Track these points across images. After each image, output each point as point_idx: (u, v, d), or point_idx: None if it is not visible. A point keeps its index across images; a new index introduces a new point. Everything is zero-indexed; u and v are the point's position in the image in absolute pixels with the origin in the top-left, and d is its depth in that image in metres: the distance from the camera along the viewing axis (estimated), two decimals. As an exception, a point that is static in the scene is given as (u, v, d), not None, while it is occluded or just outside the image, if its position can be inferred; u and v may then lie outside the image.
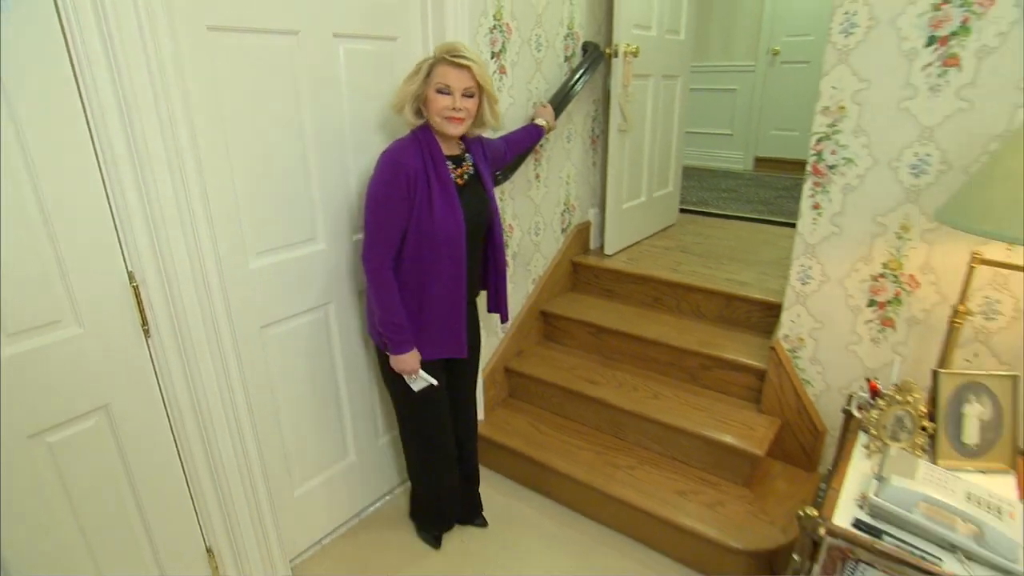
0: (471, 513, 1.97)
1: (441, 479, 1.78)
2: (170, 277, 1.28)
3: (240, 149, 1.42)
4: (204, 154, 1.33)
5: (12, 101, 1.03)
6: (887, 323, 1.70)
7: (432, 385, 1.58)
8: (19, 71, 1.02)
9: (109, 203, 1.19)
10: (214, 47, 1.32)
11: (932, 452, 1.25)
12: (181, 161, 1.24)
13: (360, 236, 1.72)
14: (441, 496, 1.82)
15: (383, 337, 1.52)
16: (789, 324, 1.89)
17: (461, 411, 1.81)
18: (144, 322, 1.28)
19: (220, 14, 1.31)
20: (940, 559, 1.01)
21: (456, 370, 1.73)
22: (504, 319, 1.80)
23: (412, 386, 1.58)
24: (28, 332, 1.12)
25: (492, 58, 1.95)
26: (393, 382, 1.62)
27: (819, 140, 1.66)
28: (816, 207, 1.72)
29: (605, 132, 2.66)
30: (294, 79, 1.49)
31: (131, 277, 1.25)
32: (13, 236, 1.07)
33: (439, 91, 1.40)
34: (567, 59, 2.32)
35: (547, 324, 2.53)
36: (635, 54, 2.34)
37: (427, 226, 1.42)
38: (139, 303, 1.27)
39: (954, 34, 1.41)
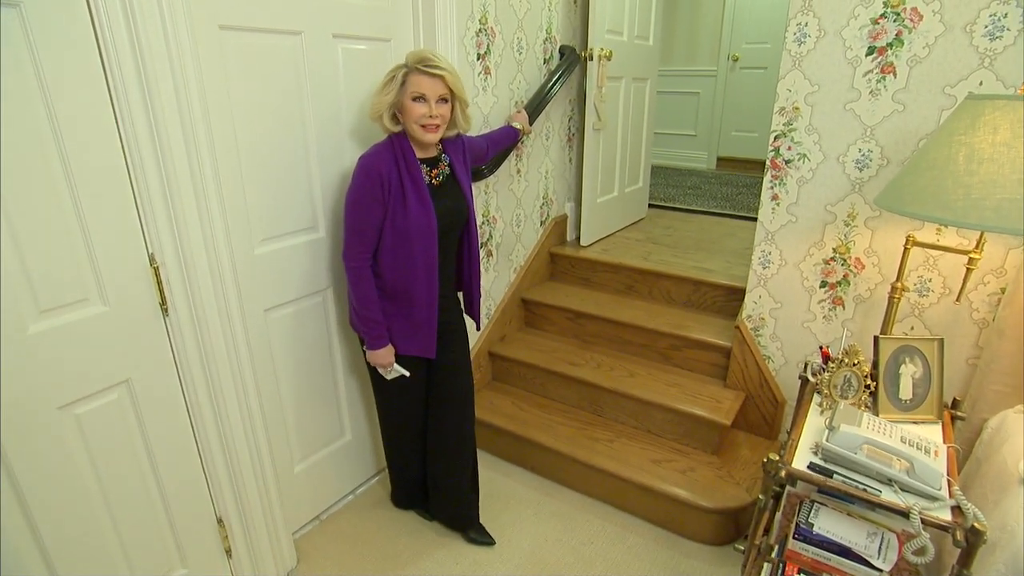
0: (462, 520, 1.94)
1: (402, 461, 1.92)
2: (187, 258, 1.37)
3: (247, 140, 1.51)
4: (217, 144, 1.42)
5: (51, 97, 1.10)
6: (837, 302, 1.90)
7: (405, 376, 1.68)
8: (56, 68, 1.10)
9: (133, 189, 1.26)
10: (225, 45, 1.41)
11: (874, 407, 1.43)
12: (198, 151, 1.33)
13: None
14: (404, 475, 1.96)
15: (360, 332, 1.62)
16: (752, 305, 2.07)
17: (450, 410, 1.80)
18: (163, 301, 1.36)
19: (231, 15, 1.40)
20: (880, 491, 1.19)
21: (438, 369, 1.76)
22: (477, 325, 1.89)
23: (385, 376, 1.68)
24: (58, 309, 1.19)
25: (478, 59, 2.08)
26: (371, 368, 1.72)
27: (776, 137, 1.85)
28: (775, 198, 1.90)
29: (581, 130, 2.83)
30: (296, 76, 1.59)
31: (152, 259, 1.33)
32: (48, 219, 1.14)
33: (415, 99, 1.46)
34: (545, 61, 2.47)
35: (528, 311, 2.67)
36: (608, 57, 2.50)
37: (401, 223, 1.51)
38: (159, 283, 1.35)
39: (890, 45, 1.61)
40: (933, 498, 1.15)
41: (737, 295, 2.30)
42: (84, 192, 1.19)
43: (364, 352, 1.68)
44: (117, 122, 1.21)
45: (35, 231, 1.13)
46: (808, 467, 1.27)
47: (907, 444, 1.24)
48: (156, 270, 1.34)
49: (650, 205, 3.51)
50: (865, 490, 1.19)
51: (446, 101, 1.51)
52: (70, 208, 1.17)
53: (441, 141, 1.63)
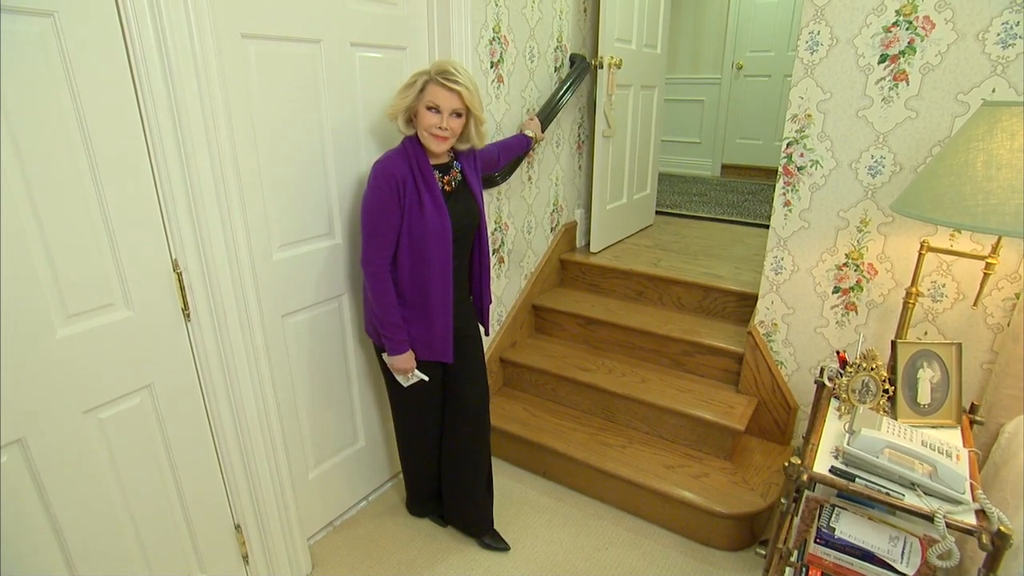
0: (477, 526, 1.93)
1: (417, 468, 1.92)
2: (209, 264, 1.38)
3: (267, 147, 1.52)
4: (238, 151, 1.43)
5: (82, 106, 1.12)
6: (850, 307, 1.91)
7: (423, 381, 1.67)
8: (87, 77, 1.12)
9: (158, 196, 1.28)
10: (247, 53, 1.43)
11: (892, 411, 1.44)
12: (220, 158, 1.34)
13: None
14: (420, 483, 1.96)
15: (381, 337, 1.61)
16: (764, 310, 2.08)
17: (465, 417, 1.80)
18: (185, 306, 1.37)
19: (253, 23, 1.42)
20: (902, 494, 1.19)
21: (453, 376, 1.76)
22: (486, 331, 1.90)
23: (404, 383, 1.68)
24: (85, 314, 1.20)
25: (491, 67, 2.10)
26: (387, 375, 1.72)
27: (789, 144, 1.86)
28: (787, 204, 1.92)
29: (590, 138, 2.84)
30: (315, 83, 1.60)
31: (175, 264, 1.34)
32: (78, 225, 1.16)
33: (429, 108, 1.47)
34: (556, 69, 2.49)
35: (538, 317, 2.68)
36: (618, 66, 2.53)
37: (418, 228, 1.53)
38: (181, 288, 1.36)
39: (902, 53, 1.62)
40: (957, 502, 1.15)
41: (748, 301, 2.31)
42: (112, 199, 1.20)
43: (380, 359, 1.69)
44: (144, 130, 1.23)
45: (66, 237, 1.14)
46: (830, 471, 1.27)
47: (929, 448, 1.24)
48: (179, 276, 1.35)
49: (657, 212, 3.53)
50: (888, 494, 1.19)
51: (460, 116, 1.52)
52: (98, 214, 1.19)
53: (453, 149, 1.64)
